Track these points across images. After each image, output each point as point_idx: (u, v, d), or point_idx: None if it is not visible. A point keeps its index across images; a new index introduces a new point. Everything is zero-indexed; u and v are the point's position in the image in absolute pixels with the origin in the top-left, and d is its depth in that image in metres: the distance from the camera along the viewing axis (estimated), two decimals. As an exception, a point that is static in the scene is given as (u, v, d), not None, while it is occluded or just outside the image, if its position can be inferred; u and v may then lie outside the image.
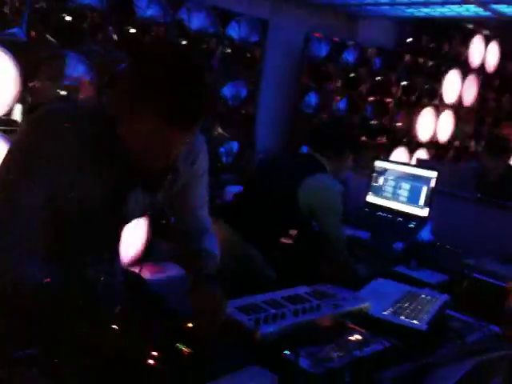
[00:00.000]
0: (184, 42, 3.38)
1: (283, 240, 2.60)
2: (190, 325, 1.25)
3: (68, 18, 2.79)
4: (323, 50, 4.30)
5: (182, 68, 1.17)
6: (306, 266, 2.46)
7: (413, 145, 5.35)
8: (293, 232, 2.64)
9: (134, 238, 3.18)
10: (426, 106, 5.40)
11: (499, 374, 1.68)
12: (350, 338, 1.40)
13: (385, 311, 1.63)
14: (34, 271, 1.25)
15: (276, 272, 2.42)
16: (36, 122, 1.29)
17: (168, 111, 1.14)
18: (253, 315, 1.33)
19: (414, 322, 1.58)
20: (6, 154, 1.28)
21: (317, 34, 4.19)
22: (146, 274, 2.97)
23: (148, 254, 3.29)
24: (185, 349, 1.20)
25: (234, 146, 3.90)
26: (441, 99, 5.54)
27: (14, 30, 2.58)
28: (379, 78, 4.77)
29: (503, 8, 3.73)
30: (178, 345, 1.20)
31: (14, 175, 1.25)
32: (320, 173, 2.48)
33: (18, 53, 2.56)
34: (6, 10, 2.57)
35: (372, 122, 4.85)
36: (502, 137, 4.17)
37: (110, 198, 1.34)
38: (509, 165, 3.96)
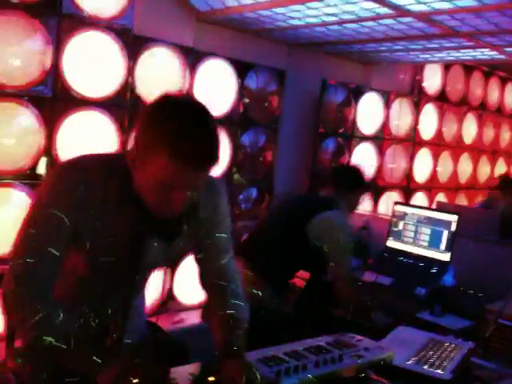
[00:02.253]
0: (203, 93, 3.48)
1: (296, 282, 2.62)
2: (213, 379, 1.25)
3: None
4: (339, 96, 4.37)
5: (190, 110, 1.24)
6: (317, 310, 2.47)
7: (432, 188, 5.35)
8: (305, 275, 2.67)
9: (152, 286, 3.18)
10: (445, 148, 5.42)
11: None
12: (373, 389, 1.39)
13: (408, 361, 1.61)
14: (59, 321, 1.27)
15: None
16: (58, 173, 1.36)
17: (181, 151, 1.17)
18: (274, 367, 1.32)
19: (438, 371, 1.55)
20: (31, 206, 1.34)
21: (332, 82, 4.28)
22: (165, 323, 2.98)
23: (165, 303, 3.29)
24: None
25: (253, 192, 3.94)
26: (459, 141, 5.56)
27: (40, 87, 2.70)
28: (397, 122, 4.82)
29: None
30: None
31: (39, 226, 1.30)
32: (329, 210, 2.56)
33: (43, 108, 2.68)
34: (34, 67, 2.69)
35: (390, 165, 4.87)
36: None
37: (129, 247, 1.37)
38: None
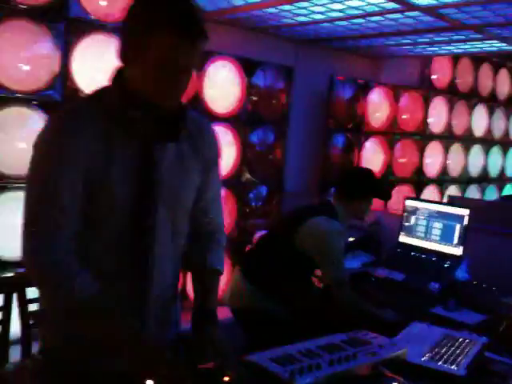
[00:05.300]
0: (212, 92, 3.49)
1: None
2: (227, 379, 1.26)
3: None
4: (348, 92, 4.36)
5: None
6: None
7: (446, 182, 5.32)
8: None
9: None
10: (455, 141, 5.39)
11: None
12: (388, 386, 1.39)
13: (422, 357, 1.60)
14: (86, 284, 1.28)
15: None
16: (56, 116, 1.39)
17: (170, 25, 1.24)
18: (288, 366, 1.32)
19: (453, 367, 1.55)
20: (35, 152, 1.33)
21: (341, 77, 4.26)
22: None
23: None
24: None
25: (263, 190, 3.95)
26: (469, 133, 5.52)
27: (49, 92, 2.73)
28: (406, 116, 4.80)
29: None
30: None
31: (48, 169, 1.30)
32: (319, 216, 2.50)
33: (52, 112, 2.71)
34: (42, 72, 2.72)
35: (400, 160, 4.85)
36: None
37: (141, 158, 1.35)
38: None
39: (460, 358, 1.61)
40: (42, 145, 1.32)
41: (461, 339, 1.77)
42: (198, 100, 3.40)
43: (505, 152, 6.11)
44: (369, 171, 2.71)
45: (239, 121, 3.68)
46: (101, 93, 1.39)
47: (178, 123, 1.39)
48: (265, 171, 3.93)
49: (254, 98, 3.76)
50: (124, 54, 1.33)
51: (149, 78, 1.29)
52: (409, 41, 3.92)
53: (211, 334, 1.41)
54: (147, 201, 1.37)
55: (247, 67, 3.67)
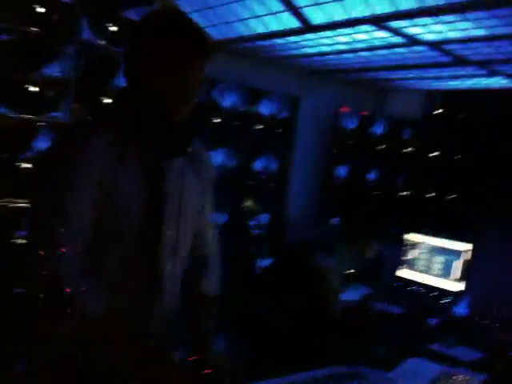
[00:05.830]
0: (218, 120, 3.53)
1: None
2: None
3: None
4: (353, 123, 4.39)
5: (176, 13, 1.40)
6: None
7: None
8: None
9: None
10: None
11: None
12: (382, 423, 1.36)
13: (417, 394, 1.58)
14: (89, 295, 1.26)
15: None
16: (67, 131, 1.44)
17: (179, 44, 1.30)
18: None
19: (449, 405, 1.52)
20: (42, 168, 1.35)
21: (346, 109, 4.30)
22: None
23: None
24: None
25: (265, 218, 3.94)
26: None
27: (58, 114, 2.76)
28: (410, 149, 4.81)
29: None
30: None
31: (60, 183, 1.28)
32: None
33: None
34: (51, 93, 2.75)
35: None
36: None
37: (151, 173, 1.36)
38: None
39: (456, 397, 1.58)
40: (54, 159, 1.32)
41: (458, 376, 1.74)
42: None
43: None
44: None
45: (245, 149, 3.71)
46: (111, 111, 1.44)
47: (187, 138, 1.42)
48: (267, 199, 3.93)
49: (260, 127, 3.79)
50: (131, 74, 1.37)
51: (158, 86, 1.32)
52: (414, 75, 3.96)
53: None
54: (157, 213, 1.38)
55: (253, 96, 3.70)
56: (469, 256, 2.73)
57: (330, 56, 3.54)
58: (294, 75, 4.05)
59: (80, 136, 1.33)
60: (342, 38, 3.08)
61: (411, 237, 3.01)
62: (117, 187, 1.32)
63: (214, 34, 3.20)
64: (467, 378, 1.75)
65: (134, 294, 1.37)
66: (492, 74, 3.64)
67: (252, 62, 3.73)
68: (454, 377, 1.74)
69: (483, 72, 3.62)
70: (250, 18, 2.95)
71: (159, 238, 1.39)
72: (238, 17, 2.95)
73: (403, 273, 2.96)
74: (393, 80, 4.25)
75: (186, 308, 1.57)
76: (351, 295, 2.89)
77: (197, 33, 1.33)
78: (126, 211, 1.33)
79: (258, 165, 3.83)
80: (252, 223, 3.84)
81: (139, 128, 1.35)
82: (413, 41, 2.98)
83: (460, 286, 2.71)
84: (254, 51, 3.56)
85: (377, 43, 3.12)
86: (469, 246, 2.74)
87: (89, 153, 1.29)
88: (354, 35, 2.99)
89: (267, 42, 3.31)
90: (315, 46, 3.33)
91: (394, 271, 3.00)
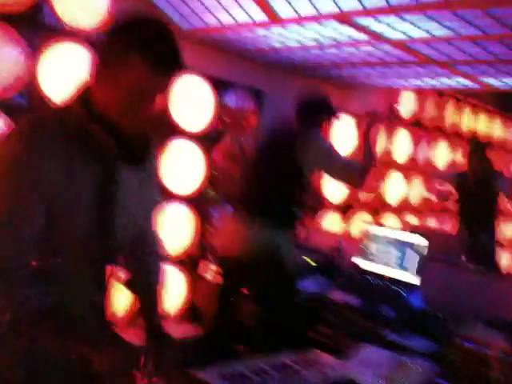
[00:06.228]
0: (180, 108, 3.50)
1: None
2: None
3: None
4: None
5: (152, 23, 1.33)
6: None
7: (406, 211, 5.43)
8: None
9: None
10: (417, 172, 5.52)
11: None
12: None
13: (373, 381, 1.62)
14: (35, 295, 1.26)
15: None
16: (19, 129, 1.34)
17: (146, 55, 1.26)
18: None
19: (402, 392, 1.57)
20: None
21: (311, 103, 4.32)
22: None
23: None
24: None
25: (228, 208, 3.94)
26: (431, 166, 5.67)
27: (16, 97, 2.70)
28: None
29: (490, 80, 3.89)
30: None
31: (7, 187, 1.26)
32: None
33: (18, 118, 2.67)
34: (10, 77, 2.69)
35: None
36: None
37: (100, 181, 1.33)
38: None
39: (410, 384, 1.63)
40: (3, 159, 1.29)
41: (412, 365, 1.80)
42: (164, 115, 3.40)
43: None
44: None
45: (208, 139, 3.70)
46: (67, 108, 1.36)
47: (144, 149, 1.42)
48: (231, 190, 3.93)
49: (224, 118, 3.79)
50: (97, 73, 1.34)
51: (117, 101, 1.30)
52: (378, 72, 4.03)
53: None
54: (107, 222, 1.37)
55: (218, 87, 3.70)
56: (425, 250, 2.81)
57: (296, 51, 3.56)
58: (260, 68, 4.05)
59: (33, 136, 1.28)
60: (309, 33, 3.10)
61: (370, 229, 3.07)
62: (66, 193, 1.29)
63: (182, 22, 3.18)
64: (422, 367, 1.80)
65: (83, 294, 1.39)
66: (453, 74, 3.74)
67: (218, 52, 3.72)
68: (408, 365, 1.79)
69: (445, 72, 3.71)
70: (217, 9, 2.94)
71: (109, 248, 1.40)
72: (206, 7, 2.94)
73: (362, 264, 3.02)
74: (357, 77, 4.30)
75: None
76: (310, 286, 2.93)
77: (170, 49, 1.30)
78: (72, 218, 1.31)
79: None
80: (214, 213, 3.84)
81: (95, 132, 1.31)
82: (378, 38, 3.03)
83: (415, 279, 2.78)
84: (220, 42, 3.55)
85: (342, 39, 3.16)
86: (425, 241, 2.82)
87: (39, 155, 1.25)
88: (321, 31, 3.02)
89: (234, 34, 3.31)
90: (281, 40, 3.35)
91: (354, 263, 3.06)
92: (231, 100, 3.82)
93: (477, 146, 4.70)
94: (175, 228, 3.61)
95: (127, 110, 1.30)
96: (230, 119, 3.82)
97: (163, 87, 1.33)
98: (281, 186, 2.76)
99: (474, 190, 4.30)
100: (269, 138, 2.97)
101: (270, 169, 2.79)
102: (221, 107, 3.73)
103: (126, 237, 1.46)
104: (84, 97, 1.35)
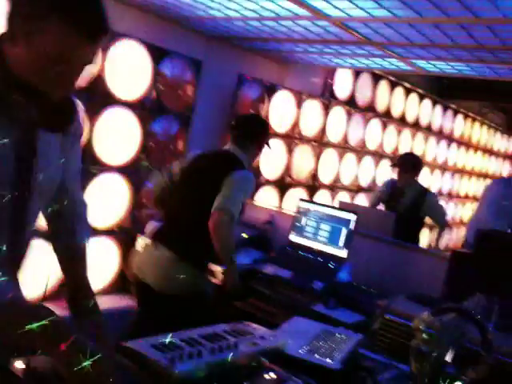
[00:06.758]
0: (115, 75, 3.39)
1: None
2: None
3: None
4: (254, 92, 4.43)
5: None
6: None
7: (337, 188, 5.57)
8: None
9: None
10: (349, 150, 5.65)
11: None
12: (266, 376, 1.42)
13: (300, 350, 1.67)
14: None
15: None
16: None
17: (70, 17, 1.15)
18: (168, 353, 1.32)
19: (328, 360, 1.62)
20: None
21: (248, 77, 4.32)
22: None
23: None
24: None
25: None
26: (363, 145, 5.82)
27: None
28: (306, 122, 4.96)
29: (423, 64, 4.01)
30: None
31: None
32: (240, 169, 2.69)
33: None
34: None
35: (297, 164, 5.00)
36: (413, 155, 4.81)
37: (19, 143, 1.25)
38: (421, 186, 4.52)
39: (336, 353, 1.69)
40: None
41: (337, 335, 1.86)
42: (97, 82, 3.28)
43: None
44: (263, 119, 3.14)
45: (143, 108, 3.61)
46: None
47: (65, 115, 1.36)
48: (164, 161, 3.88)
49: (160, 87, 3.71)
50: (11, 31, 1.20)
51: (37, 64, 1.19)
52: (316, 50, 4.06)
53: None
54: (23, 191, 1.30)
55: (155, 54, 3.61)
56: (353, 226, 2.90)
57: (236, 22, 3.53)
58: (199, 38, 3.99)
59: None
60: (249, 4, 3.08)
61: (303, 204, 3.13)
62: None
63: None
64: (346, 336, 1.87)
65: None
66: (388, 55, 3.83)
67: (156, 18, 3.62)
68: (334, 335, 1.86)
69: (380, 53, 3.79)
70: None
71: (23, 218, 1.34)
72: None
73: (294, 238, 3.08)
74: (295, 53, 4.32)
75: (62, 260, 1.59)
76: (243, 259, 2.96)
77: (97, 13, 1.20)
78: None
79: (157, 126, 3.76)
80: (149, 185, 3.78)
81: (12, 96, 1.21)
82: (317, 14, 3.05)
83: (344, 253, 2.88)
84: (159, 8, 3.45)
85: (282, 13, 3.15)
86: (354, 217, 2.91)
87: None
88: (261, 2, 3.00)
89: (173, 0, 3.22)
90: (221, 10, 3.30)
91: (287, 237, 3.12)
92: (168, 69, 3.74)
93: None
94: (107, 198, 3.53)
95: (46, 76, 1.20)
96: (167, 88, 3.74)
97: (88, 54, 1.23)
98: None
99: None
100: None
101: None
102: (158, 76, 3.65)
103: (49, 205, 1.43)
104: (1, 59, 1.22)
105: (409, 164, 4.47)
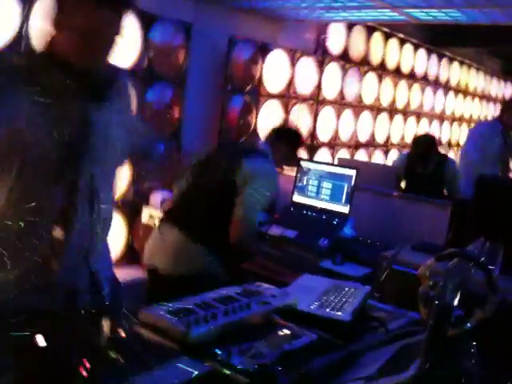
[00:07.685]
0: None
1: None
2: None
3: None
4: (247, 53, 4.36)
5: None
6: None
7: (336, 145, 5.55)
8: None
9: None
10: (346, 106, 5.61)
11: (420, 355, 1.78)
12: (280, 333, 1.46)
13: (311, 305, 1.70)
14: None
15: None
16: None
17: None
18: (184, 318, 1.35)
19: (339, 313, 1.66)
20: None
21: (240, 37, 4.25)
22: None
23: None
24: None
25: (160, 150, 3.89)
26: (359, 100, 5.77)
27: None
28: (302, 80, 4.91)
29: (416, 13, 3.95)
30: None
31: None
32: (260, 157, 2.66)
33: None
34: None
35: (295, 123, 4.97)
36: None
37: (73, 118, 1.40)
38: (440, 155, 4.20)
39: (346, 306, 1.73)
40: None
41: (346, 288, 1.90)
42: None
43: (391, 119, 6.46)
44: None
45: (135, 77, 3.56)
46: (32, 56, 1.49)
47: (104, 86, 1.50)
48: (162, 130, 3.86)
49: (151, 54, 3.65)
50: (53, 19, 1.40)
51: (72, 43, 1.38)
52: (307, 4, 3.98)
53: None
54: (77, 163, 1.42)
55: (144, 21, 3.54)
56: (353, 181, 2.91)
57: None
58: (187, 0, 3.91)
59: (3, 80, 1.35)
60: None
61: (304, 164, 3.14)
62: (38, 135, 1.34)
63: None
64: (355, 289, 1.91)
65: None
66: (380, 6, 3.76)
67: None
68: (343, 289, 1.89)
69: (372, 4, 3.72)
70: None
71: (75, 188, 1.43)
72: None
73: (297, 198, 3.10)
74: (286, 9, 4.24)
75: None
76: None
77: None
78: (43, 159, 1.37)
79: (150, 94, 3.73)
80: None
81: (58, 75, 1.39)
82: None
83: (346, 209, 2.90)
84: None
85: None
86: (354, 172, 2.92)
87: (10, 99, 1.33)
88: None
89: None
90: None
91: (290, 197, 3.13)
92: (158, 34, 3.67)
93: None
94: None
95: (86, 53, 1.39)
96: (158, 55, 3.69)
97: (118, 27, 1.43)
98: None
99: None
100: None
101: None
102: (147, 42, 3.59)
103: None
104: (47, 46, 1.43)
105: (424, 146, 4.12)
